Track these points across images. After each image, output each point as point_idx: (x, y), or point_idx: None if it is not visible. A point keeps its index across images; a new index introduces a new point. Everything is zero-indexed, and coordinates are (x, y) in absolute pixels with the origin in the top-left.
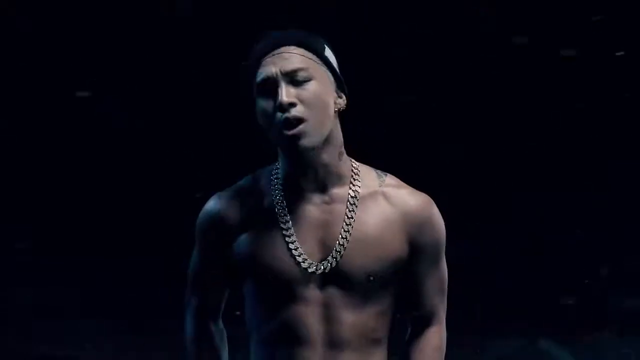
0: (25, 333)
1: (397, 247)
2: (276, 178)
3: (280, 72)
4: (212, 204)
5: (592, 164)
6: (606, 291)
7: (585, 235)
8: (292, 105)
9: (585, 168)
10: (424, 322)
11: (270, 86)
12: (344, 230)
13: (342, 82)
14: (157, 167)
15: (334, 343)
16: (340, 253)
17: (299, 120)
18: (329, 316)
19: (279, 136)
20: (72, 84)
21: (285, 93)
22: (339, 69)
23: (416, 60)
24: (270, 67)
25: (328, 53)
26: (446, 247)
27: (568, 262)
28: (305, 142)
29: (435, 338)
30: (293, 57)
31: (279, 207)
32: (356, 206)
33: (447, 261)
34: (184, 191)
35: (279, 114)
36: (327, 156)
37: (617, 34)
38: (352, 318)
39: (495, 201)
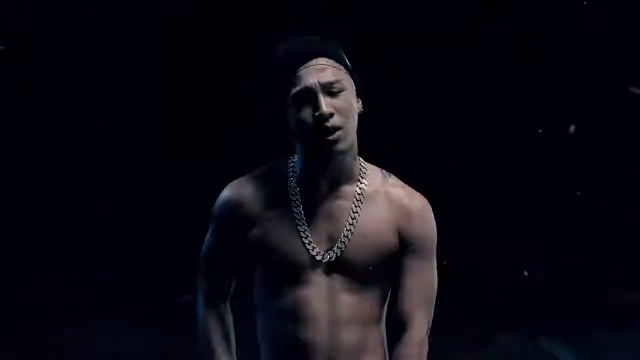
0: (28, 329)
1: (391, 240)
2: (293, 171)
3: (319, 83)
4: (228, 191)
5: (590, 162)
6: (606, 287)
7: (585, 233)
8: (332, 115)
9: (582, 166)
10: (400, 326)
11: (308, 96)
12: (349, 224)
13: (359, 86)
14: (157, 169)
15: (335, 321)
16: (344, 244)
17: (337, 128)
18: (331, 298)
19: (316, 141)
20: (73, 87)
21: (325, 104)
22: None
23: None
24: (309, 78)
25: (346, 59)
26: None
27: (569, 260)
28: (341, 146)
29: (406, 346)
30: (328, 69)
31: (293, 198)
32: (361, 202)
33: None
34: (184, 193)
35: (315, 122)
36: (346, 157)
37: None
38: (352, 300)
39: (497, 201)
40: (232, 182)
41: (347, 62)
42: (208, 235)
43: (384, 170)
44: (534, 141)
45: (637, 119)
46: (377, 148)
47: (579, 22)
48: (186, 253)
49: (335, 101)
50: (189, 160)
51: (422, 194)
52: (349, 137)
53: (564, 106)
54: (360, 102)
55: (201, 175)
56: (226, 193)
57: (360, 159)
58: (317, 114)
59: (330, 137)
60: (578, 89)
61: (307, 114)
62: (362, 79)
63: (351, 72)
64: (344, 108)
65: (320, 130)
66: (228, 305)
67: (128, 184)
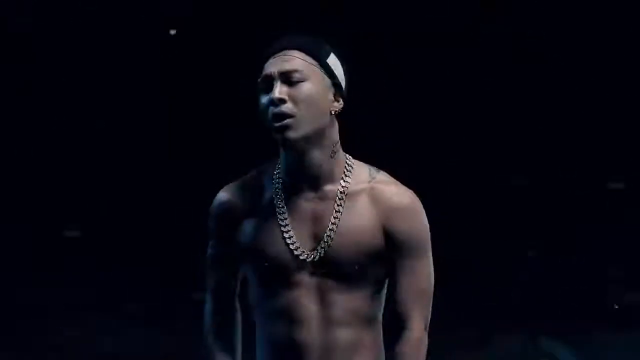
0: (32, 327)
1: (376, 237)
2: (278, 173)
3: (278, 72)
4: (221, 195)
5: (590, 162)
6: (606, 287)
7: (585, 233)
8: (282, 101)
9: (582, 165)
10: (398, 325)
11: (268, 84)
12: (332, 223)
13: (341, 86)
14: (157, 169)
15: (328, 322)
16: (327, 244)
17: (287, 115)
18: (322, 298)
19: (270, 127)
20: (73, 87)
21: (278, 90)
22: (348, 75)
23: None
24: (270, 67)
25: (332, 59)
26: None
27: (569, 260)
28: (291, 133)
29: (404, 345)
30: (291, 60)
31: (277, 200)
32: (344, 201)
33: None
34: (184, 193)
35: (271, 108)
36: (318, 155)
37: None
38: (344, 300)
39: (497, 201)
40: (224, 187)
41: (332, 59)
42: (209, 237)
43: (373, 168)
44: (533, 141)
45: (637, 119)
46: (377, 148)
47: (579, 22)
48: (186, 253)
49: (292, 90)
50: (189, 160)
51: (413, 191)
52: (302, 127)
53: (564, 106)
54: (341, 101)
55: (201, 175)
56: (221, 194)
57: (348, 156)
58: (269, 99)
59: (277, 124)
60: (578, 89)
61: (265, 101)
62: (351, 81)
63: (329, 69)
64: (299, 98)
65: (272, 116)
66: (236, 303)
67: (128, 184)
